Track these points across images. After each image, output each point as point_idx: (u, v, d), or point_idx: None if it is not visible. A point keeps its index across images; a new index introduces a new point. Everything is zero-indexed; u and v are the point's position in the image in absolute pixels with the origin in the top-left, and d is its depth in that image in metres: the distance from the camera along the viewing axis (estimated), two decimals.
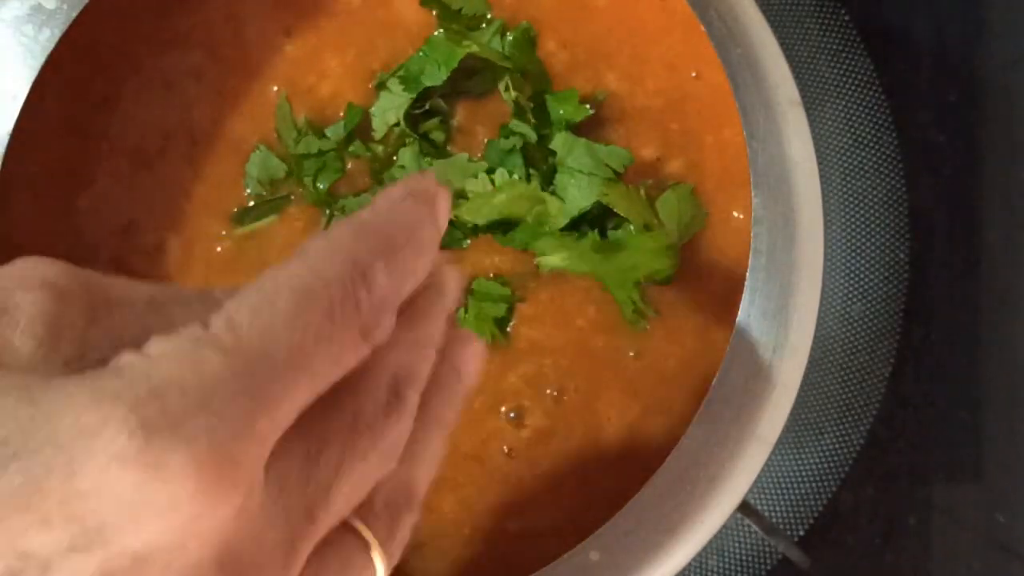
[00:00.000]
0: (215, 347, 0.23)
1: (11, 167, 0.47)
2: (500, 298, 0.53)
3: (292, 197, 0.54)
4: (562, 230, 0.52)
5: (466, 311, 0.53)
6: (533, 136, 0.51)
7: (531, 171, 0.51)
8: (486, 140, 0.53)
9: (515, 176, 0.51)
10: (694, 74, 0.53)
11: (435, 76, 0.52)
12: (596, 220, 0.52)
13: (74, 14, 0.47)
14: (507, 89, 0.52)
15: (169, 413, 0.21)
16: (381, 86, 0.53)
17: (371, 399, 0.27)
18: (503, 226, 0.52)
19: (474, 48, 0.51)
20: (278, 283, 0.25)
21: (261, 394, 0.23)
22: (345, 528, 0.28)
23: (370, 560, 0.28)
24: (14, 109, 0.47)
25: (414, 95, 0.52)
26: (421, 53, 0.52)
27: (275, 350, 0.23)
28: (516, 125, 0.52)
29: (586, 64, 0.54)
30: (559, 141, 0.51)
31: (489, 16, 0.53)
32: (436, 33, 0.53)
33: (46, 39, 0.47)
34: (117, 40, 0.53)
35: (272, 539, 0.24)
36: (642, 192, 0.52)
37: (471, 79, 0.53)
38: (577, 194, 0.51)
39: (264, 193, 0.54)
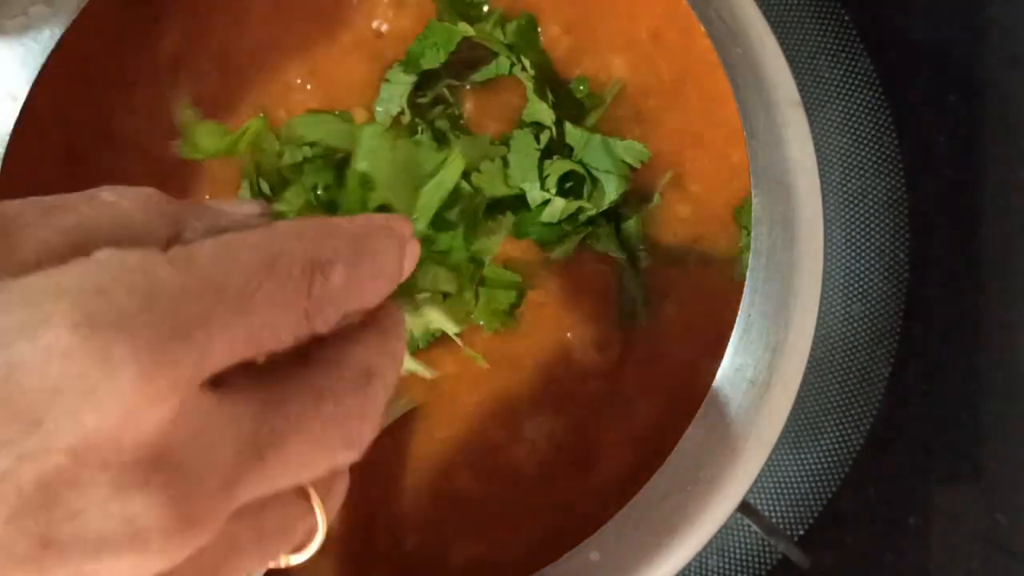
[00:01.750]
0: (169, 265, 0.23)
1: (11, 168, 0.47)
2: (511, 285, 0.53)
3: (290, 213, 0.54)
4: (581, 226, 0.52)
5: (476, 300, 0.53)
6: (551, 117, 0.52)
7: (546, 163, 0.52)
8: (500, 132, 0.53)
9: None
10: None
11: (434, 59, 0.52)
12: (612, 213, 0.53)
13: (74, 14, 0.47)
14: (523, 69, 0.52)
15: (113, 309, 0.21)
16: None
17: (340, 379, 0.28)
18: (513, 204, 0.53)
19: (471, 32, 0.52)
20: (243, 241, 0.26)
21: (204, 313, 0.23)
22: (292, 490, 0.28)
23: (314, 524, 0.29)
24: (14, 109, 0.47)
25: (415, 77, 0.52)
26: (420, 37, 0.53)
27: (225, 287, 0.24)
28: (534, 109, 0.52)
29: (591, 49, 0.54)
30: (575, 136, 0.52)
31: (486, 8, 0.54)
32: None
33: (46, 39, 0.47)
34: (108, 60, 0.53)
35: (216, 459, 0.24)
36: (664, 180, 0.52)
37: (474, 69, 0.53)
38: (597, 196, 0.52)
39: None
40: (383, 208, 0.43)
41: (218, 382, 0.25)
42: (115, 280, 0.22)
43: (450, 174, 0.45)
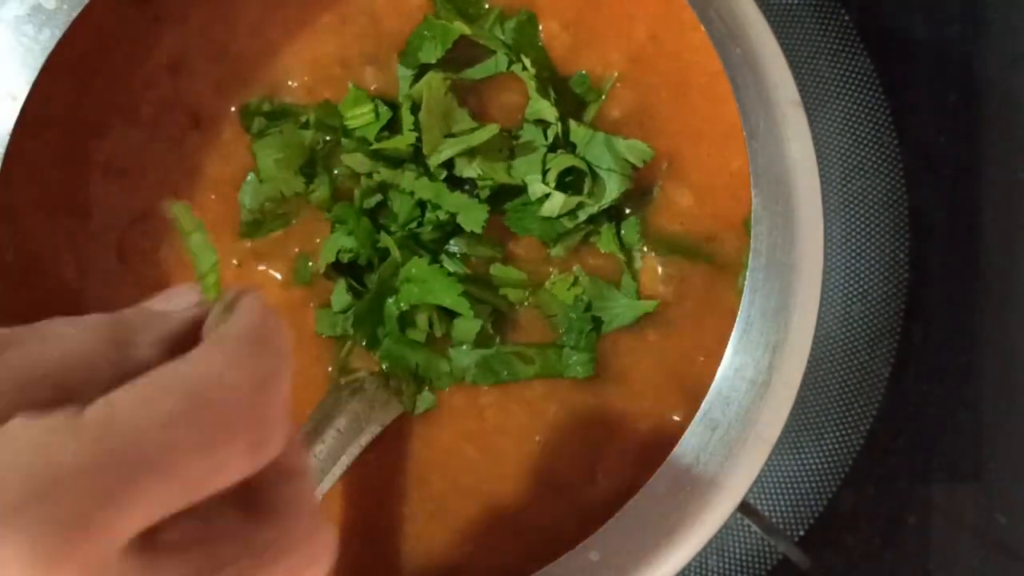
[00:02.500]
0: (77, 434, 0.22)
1: (11, 168, 0.47)
2: (516, 283, 0.53)
3: (293, 220, 0.54)
4: (582, 223, 0.52)
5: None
6: (554, 114, 0.52)
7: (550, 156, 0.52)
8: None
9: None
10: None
11: (431, 53, 0.53)
12: (613, 212, 0.53)
13: (74, 14, 0.47)
14: (523, 68, 0.52)
15: (7, 499, 0.21)
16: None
17: (287, 531, 0.26)
18: (514, 193, 0.53)
19: (466, 30, 0.52)
20: (173, 380, 0.24)
21: (114, 490, 0.22)
22: None
23: None
24: (14, 109, 0.47)
25: (413, 70, 0.53)
26: (418, 30, 0.53)
27: (144, 448, 0.22)
28: (536, 107, 0.52)
29: (590, 47, 0.54)
30: (579, 134, 0.52)
31: (487, 6, 0.54)
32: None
33: (46, 39, 0.47)
34: (107, 60, 0.53)
35: None
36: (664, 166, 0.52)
37: (474, 67, 0.54)
38: (597, 192, 0.52)
39: (257, 219, 0.54)
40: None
41: (152, 536, 0.23)
42: (13, 464, 0.21)
43: (480, 135, 0.51)
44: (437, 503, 0.54)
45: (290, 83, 0.54)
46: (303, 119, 0.53)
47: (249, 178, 0.54)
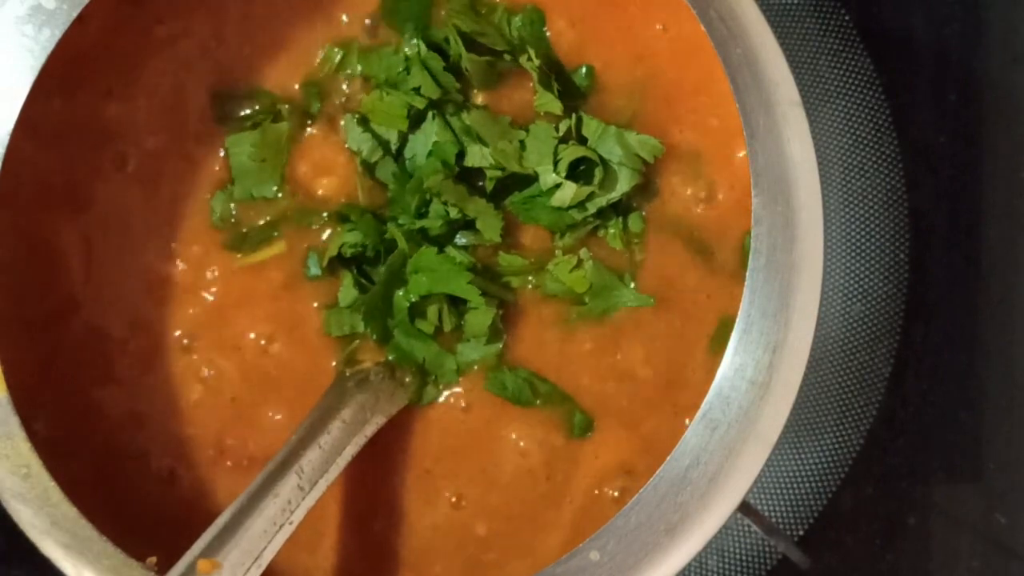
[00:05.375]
0: None
1: (11, 168, 0.47)
2: (521, 270, 0.53)
3: (277, 234, 0.54)
4: (591, 216, 0.53)
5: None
6: (559, 106, 0.52)
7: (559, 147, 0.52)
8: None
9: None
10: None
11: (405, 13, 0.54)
12: (620, 208, 0.53)
13: (74, 14, 0.47)
14: (529, 59, 0.52)
15: None
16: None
17: None
18: (523, 183, 0.53)
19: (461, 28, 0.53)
20: None
21: None
22: None
23: None
24: (14, 109, 0.47)
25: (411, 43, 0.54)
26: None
27: None
28: (543, 99, 0.52)
29: (595, 41, 0.54)
30: (591, 127, 0.52)
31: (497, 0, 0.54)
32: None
33: (46, 39, 0.47)
34: (107, 60, 0.54)
35: None
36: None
37: (475, 62, 0.54)
38: (608, 183, 0.52)
39: (225, 228, 0.54)
40: None
41: None
42: None
43: None
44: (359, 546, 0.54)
45: (290, 82, 0.54)
46: (276, 107, 0.54)
47: (226, 188, 0.54)
